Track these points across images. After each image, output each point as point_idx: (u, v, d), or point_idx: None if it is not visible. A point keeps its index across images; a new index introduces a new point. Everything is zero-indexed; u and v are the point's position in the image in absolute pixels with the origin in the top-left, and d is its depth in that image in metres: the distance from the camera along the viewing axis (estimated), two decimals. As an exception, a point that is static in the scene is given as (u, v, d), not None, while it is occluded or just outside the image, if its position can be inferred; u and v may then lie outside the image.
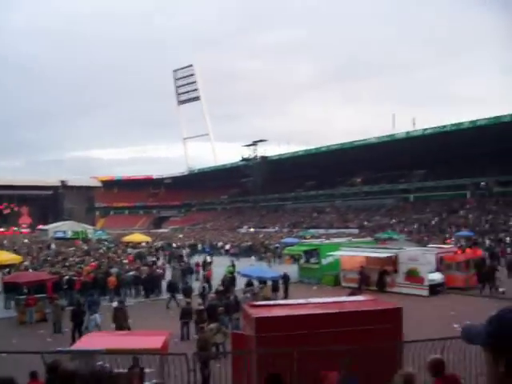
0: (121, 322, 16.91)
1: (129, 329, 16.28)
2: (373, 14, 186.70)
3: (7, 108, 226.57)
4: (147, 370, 9.48)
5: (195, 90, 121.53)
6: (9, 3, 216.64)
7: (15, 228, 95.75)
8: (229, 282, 24.46)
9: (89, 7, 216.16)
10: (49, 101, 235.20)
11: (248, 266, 29.63)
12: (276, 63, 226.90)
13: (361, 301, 11.86)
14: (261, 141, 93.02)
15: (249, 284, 23.08)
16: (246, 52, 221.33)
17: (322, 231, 64.11)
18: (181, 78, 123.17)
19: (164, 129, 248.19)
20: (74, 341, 14.05)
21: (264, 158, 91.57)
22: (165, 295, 25.66)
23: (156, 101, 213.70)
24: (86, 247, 47.36)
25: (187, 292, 22.38)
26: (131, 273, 27.33)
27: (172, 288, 24.02)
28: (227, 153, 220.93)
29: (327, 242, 35.79)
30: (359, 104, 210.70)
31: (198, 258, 37.87)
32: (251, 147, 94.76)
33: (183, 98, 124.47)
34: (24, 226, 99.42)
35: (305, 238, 49.30)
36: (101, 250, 43.60)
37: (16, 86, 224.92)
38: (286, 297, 23.20)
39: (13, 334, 18.37)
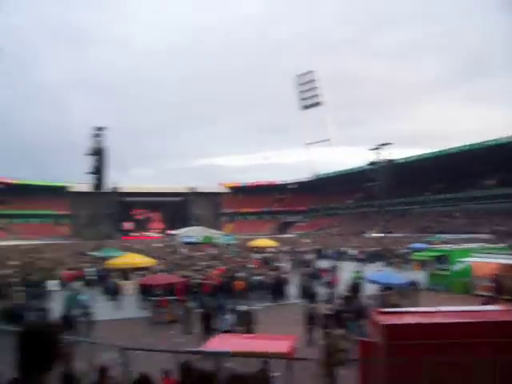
0: (247, 325, 17.17)
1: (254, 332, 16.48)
2: (498, 8, 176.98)
3: (139, 120, 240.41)
4: (274, 374, 9.50)
5: (317, 95, 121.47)
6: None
7: (147, 233, 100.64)
8: (355, 287, 24.06)
9: (209, 22, 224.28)
10: (176, 112, 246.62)
11: (375, 271, 28.99)
12: (398, 65, 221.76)
13: (496, 310, 11.15)
14: (385, 144, 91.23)
15: (383, 289, 22.52)
16: (366, 55, 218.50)
17: (451, 236, 61.47)
18: (303, 84, 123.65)
19: (286, 135, 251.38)
20: (203, 342, 14.41)
21: (390, 162, 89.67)
22: (291, 300, 25.84)
23: (278, 107, 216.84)
24: (214, 252, 48.63)
25: (313, 297, 22.33)
26: (258, 277, 27.69)
27: (306, 293, 24.08)
28: (351, 157, 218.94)
29: (457, 247, 34.27)
30: (487, 103, 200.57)
31: (323, 264, 37.62)
32: (376, 151, 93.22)
33: (305, 103, 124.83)
34: (155, 230, 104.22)
35: (433, 244, 47.59)
36: (228, 255, 44.58)
37: (146, 100, 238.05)
38: (414, 304, 22.41)
39: (146, 333, 19.27)
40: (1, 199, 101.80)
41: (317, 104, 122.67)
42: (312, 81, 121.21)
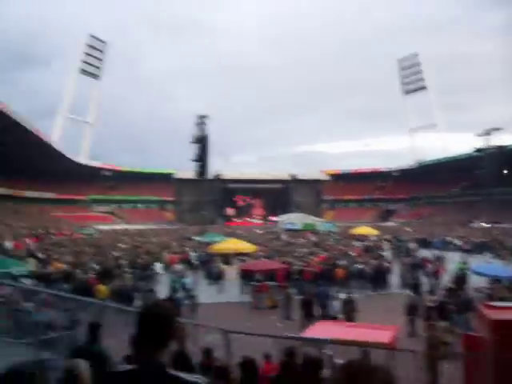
0: (349, 313, 17.09)
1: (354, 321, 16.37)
2: None
3: (240, 108, 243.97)
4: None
5: (421, 79, 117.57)
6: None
7: (249, 219, 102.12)
8: (460, 279, 23.25)
9: (308, 7, 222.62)
10: (277, 99, 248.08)
11: (482, 263, 27.87)
12: (508, 44, 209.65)
13: None
14: (495, 129, 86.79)
15: (491, 282, 21.61)
16: (473, 34, 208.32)
17: None
18: (405, 68, 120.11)
19: (388, 121, 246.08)
20: (303, 328, 14.49)
21: (499, 148, 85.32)
22: (392, 289, 25.43)
23: (379, 93, 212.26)
24: (314, 239, 48.60)
25: (415, 288, 21.83)
26: (358, 265, 27.41)
27: (408, 283, 23.63)
28: (457, 143, 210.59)
29: None
30: None
31: (426, 253, 36.61)
32: (484, 137, 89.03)
33: (408, 88, 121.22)
34: (256, 217, 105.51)
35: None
36: (329, 242, 44.41)
37: (246, 87, 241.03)
38: (525, 299, 21.33)
39: (247, 317, 19.63)
40: (110, 185, 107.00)
41: (421, 88, 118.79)
42: (416, 64, 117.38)
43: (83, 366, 3.50)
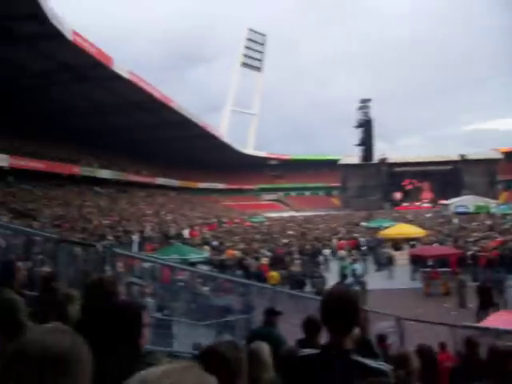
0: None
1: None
2: None
3: (402, 89, 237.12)
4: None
5: None
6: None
7: (418, 203, 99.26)
8: None
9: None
10: (442, 76, 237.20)
11: None
12: None
13: None
14: None
15: None
16: None
17: None
18: None
19: None
20: (479, 317, 13.88)
21: None
22: None
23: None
24: (489, 222, 46.04)
25: None
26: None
27: None
28: None
29: None
30: None
31: None
32: None
33: None
34: (425, 200, 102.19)
35: None
36: (506, 226, 41.87)
37: (409, 67, 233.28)
38: None
39: (418, 304, 19.21)
40: (277, 174, 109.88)
41: None
42: None
43: (266, 349, 3.64)
